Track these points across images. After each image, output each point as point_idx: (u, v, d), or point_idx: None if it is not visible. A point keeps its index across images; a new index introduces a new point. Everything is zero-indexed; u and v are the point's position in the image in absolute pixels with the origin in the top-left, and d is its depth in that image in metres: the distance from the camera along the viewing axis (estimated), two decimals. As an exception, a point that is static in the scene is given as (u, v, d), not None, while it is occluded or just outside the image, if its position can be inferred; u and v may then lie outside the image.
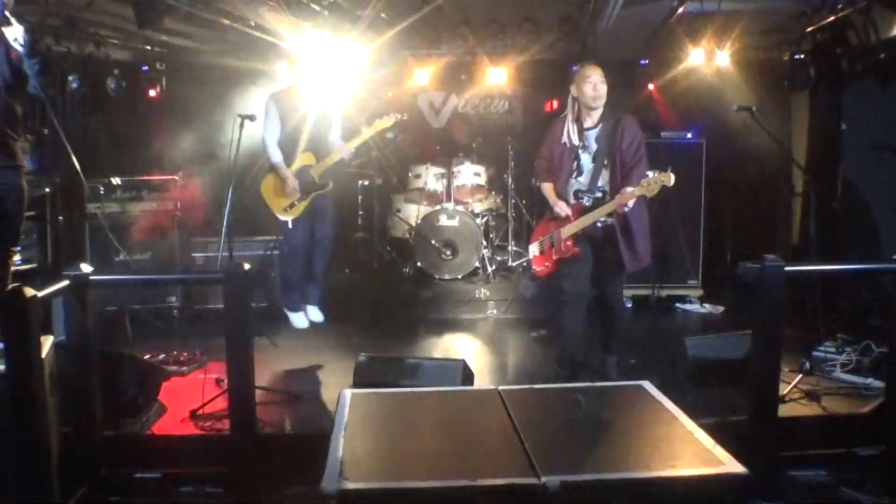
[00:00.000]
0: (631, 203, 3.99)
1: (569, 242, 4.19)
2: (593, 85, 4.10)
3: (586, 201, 4.20)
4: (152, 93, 6.91)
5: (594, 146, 4.18)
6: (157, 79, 6.83)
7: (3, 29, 3.36)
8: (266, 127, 4.89)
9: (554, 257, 4.28)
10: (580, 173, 4.21)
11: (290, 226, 4.94)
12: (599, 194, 4.18)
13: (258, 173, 6.25)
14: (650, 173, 3.97)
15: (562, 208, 4.22)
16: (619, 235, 4.11)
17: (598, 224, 4.15)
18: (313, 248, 5.04)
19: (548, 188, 4.36)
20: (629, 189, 3.96)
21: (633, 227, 4.12)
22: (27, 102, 4.15)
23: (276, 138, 4.91)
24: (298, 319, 5.14)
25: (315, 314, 5.19)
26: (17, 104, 3.79)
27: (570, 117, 4.22)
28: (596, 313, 4.44)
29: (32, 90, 3.66)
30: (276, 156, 4.91)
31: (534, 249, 4.46)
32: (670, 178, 3.84)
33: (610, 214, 4.11)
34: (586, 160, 4.19)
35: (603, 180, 4.16)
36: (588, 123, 4.21)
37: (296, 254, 5.01)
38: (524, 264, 4.31)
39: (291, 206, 4.93)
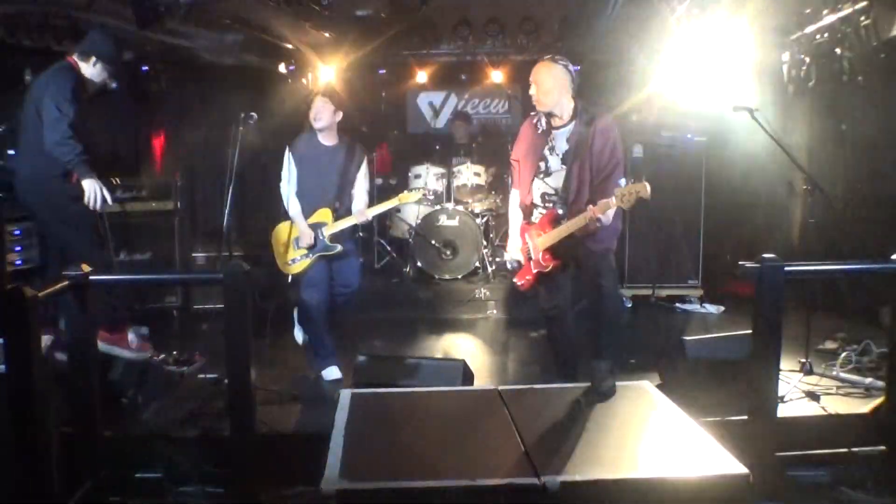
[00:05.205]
0: (607, 217, 3.59)
1: (547, 255, 3.85)
2: (533, 84, 3.74)
3: (559, 209, 3.82)
4: (152, 93, 6.91)
5: (564, 146, 3.78)
6: (158, 79, 6.83)
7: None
8: (283, 177, 4.54)
9: (533, 270, 3.93)
10: (547, 174, 3.84)
11: (305, 274, 4.51)
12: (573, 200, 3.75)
13: (259, 174, 6.24)
14: (622, 181, 3.55)
15: (512, 250, 3.98)
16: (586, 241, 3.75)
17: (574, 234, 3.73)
18: (330, 299, 4.57)
19: (512, 200, 4.06)
20: (604, 201, 3.54)
21: (601, 233, 3.71)
22: None
23: (294, 189, 4.52)
24: (329, 373, 4.57)
25: (330, 373, 4.55)
26: None
27: (541, 114, 3.85)
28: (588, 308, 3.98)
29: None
30: (294, 208, 4.52)
31: (512, 262, 4.10)
32: (646, 189, 3.41)
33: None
34: (554, 161, 3.81)
35: (574, 186, 3.73)
36: (556, 122, 3.81)
37: (310, 305, 4.48)
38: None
39: (294, 261, 4.55)
